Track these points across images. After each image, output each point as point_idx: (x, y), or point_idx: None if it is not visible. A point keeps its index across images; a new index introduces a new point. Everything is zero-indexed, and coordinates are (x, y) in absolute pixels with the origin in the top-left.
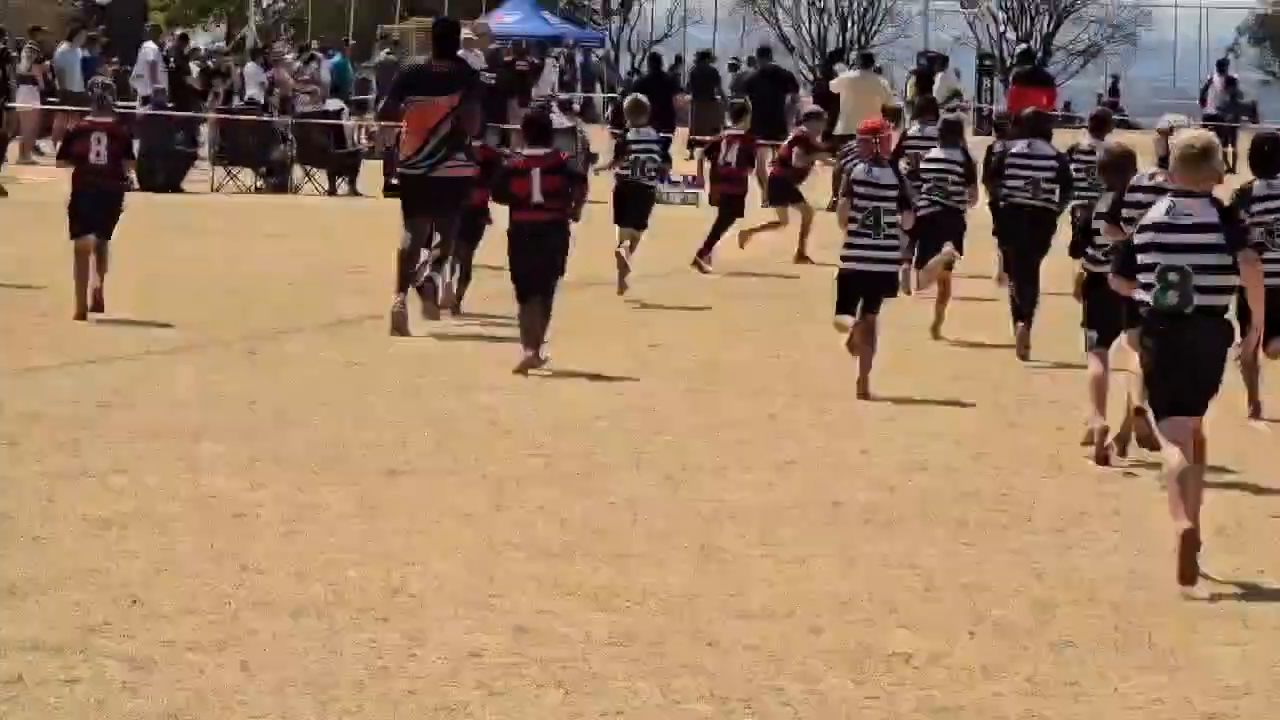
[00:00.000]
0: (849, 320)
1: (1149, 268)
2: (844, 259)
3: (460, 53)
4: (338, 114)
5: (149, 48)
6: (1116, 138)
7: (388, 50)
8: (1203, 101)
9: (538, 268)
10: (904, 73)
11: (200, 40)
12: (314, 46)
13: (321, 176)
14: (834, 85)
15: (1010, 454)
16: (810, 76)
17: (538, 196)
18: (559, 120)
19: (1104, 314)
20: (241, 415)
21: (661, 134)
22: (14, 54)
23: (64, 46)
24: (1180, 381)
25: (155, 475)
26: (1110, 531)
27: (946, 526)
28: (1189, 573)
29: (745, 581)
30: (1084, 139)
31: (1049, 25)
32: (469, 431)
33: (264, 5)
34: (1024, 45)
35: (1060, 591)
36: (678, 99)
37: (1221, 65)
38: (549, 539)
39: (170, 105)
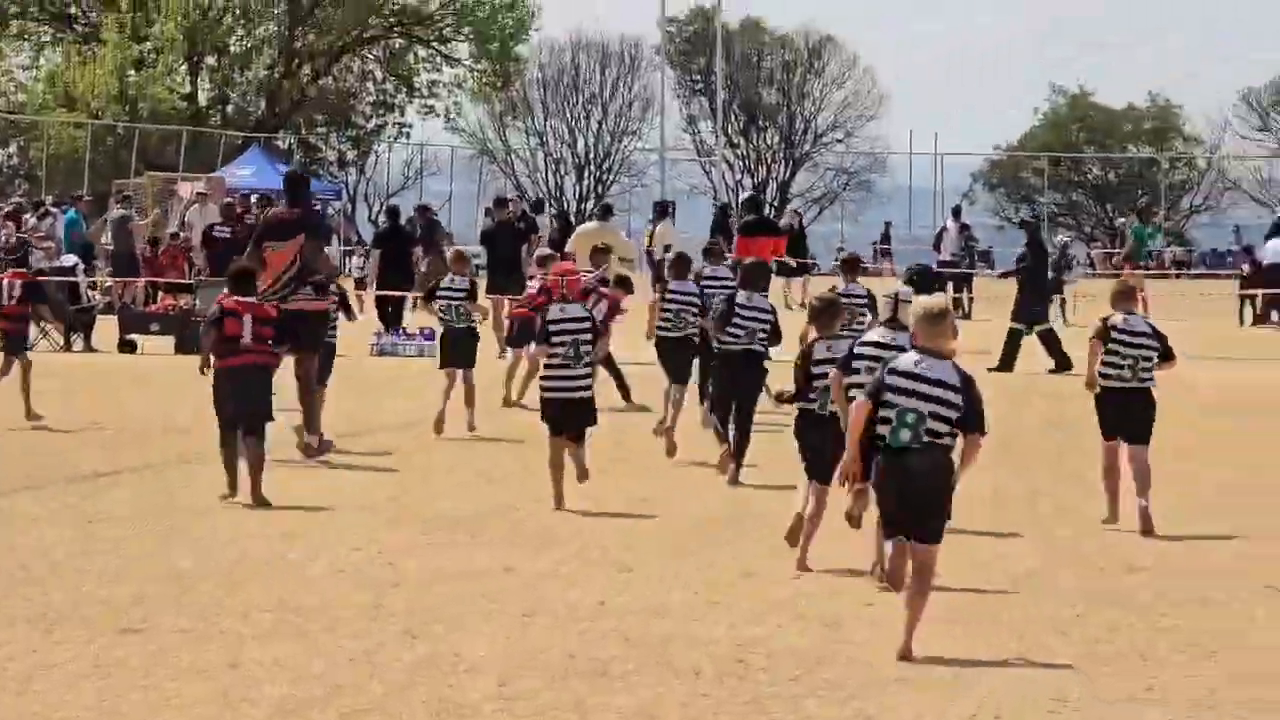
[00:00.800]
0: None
1: (889, 405)
2: (546, 390)
3: (195, 207)
4: (73, 269)
5: None
6: None
7: (121, 206)
8: (937, 247)
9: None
10: (642, 221)
11: None
12: (48, 202)
13: (56, 333)
14: (571, 242)
15: (748, 601)
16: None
17: (247, 339)
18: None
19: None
20: None
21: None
22: None
23: None
24: (902, 507)
25: None
26: (847, 679)
27: (682, 676)
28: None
29: None
30: (839, 282)
31: (785, 173)
32: (205, 587)
33: None
34: (750, 193)
35: None
36: (417, 251)
37: (956, 211)
38: (284, 696)
39: None
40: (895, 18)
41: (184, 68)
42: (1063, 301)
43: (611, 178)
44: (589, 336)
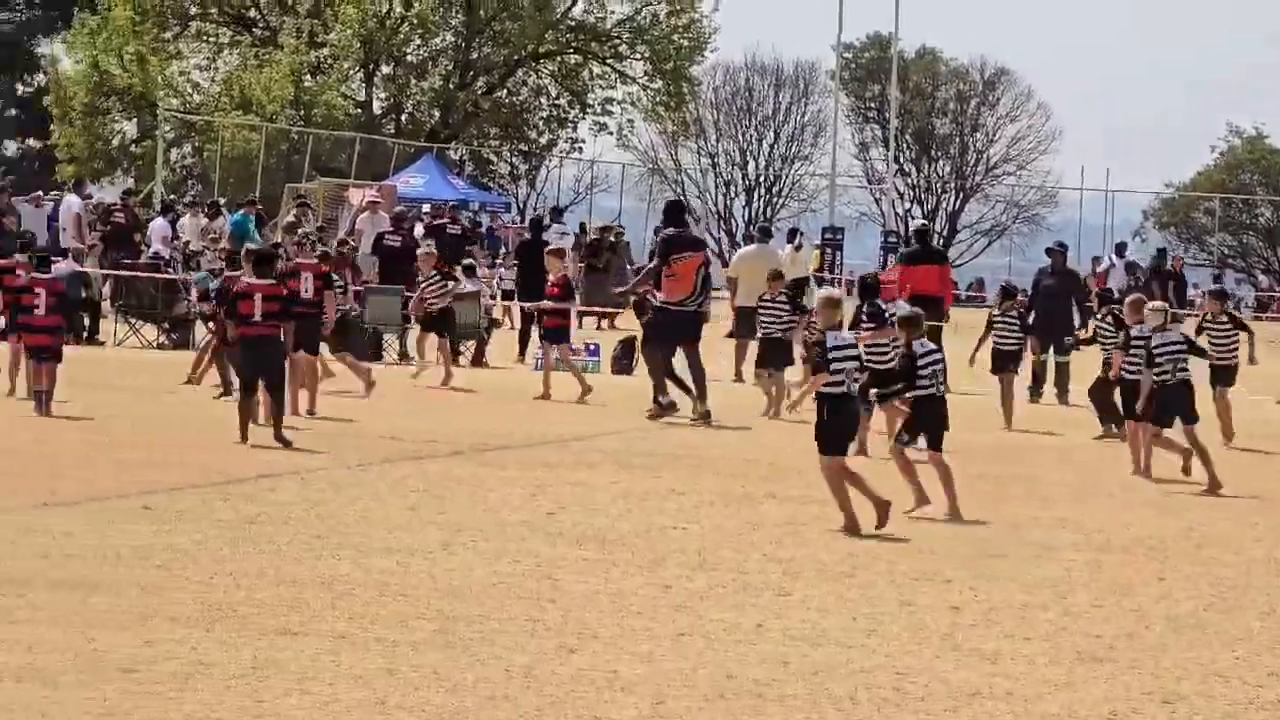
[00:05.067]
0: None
1: None
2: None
3: (365, 215)
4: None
5: (72, 200)
6: None
7: (294, 211)
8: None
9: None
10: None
11: (107, 195)
12: (221, 203)
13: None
14: (733, 265)
15: (905, 631)
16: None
17: (258, 315)
18: (463, 284)
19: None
20: (134, 570)
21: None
22: None
23: None
24: None
25: (47, 628)
26: (1005, 713)
27: (839, 704)
28: None
29: None
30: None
31: (955, 203)
32: (362, 594)
33: (171, 160)
34: (921, 222)
35: None
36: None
37: (1120, 249)
38: (440, 704)
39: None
40: (1071, 52)
41: (359, 75)
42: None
43: (781, 201)
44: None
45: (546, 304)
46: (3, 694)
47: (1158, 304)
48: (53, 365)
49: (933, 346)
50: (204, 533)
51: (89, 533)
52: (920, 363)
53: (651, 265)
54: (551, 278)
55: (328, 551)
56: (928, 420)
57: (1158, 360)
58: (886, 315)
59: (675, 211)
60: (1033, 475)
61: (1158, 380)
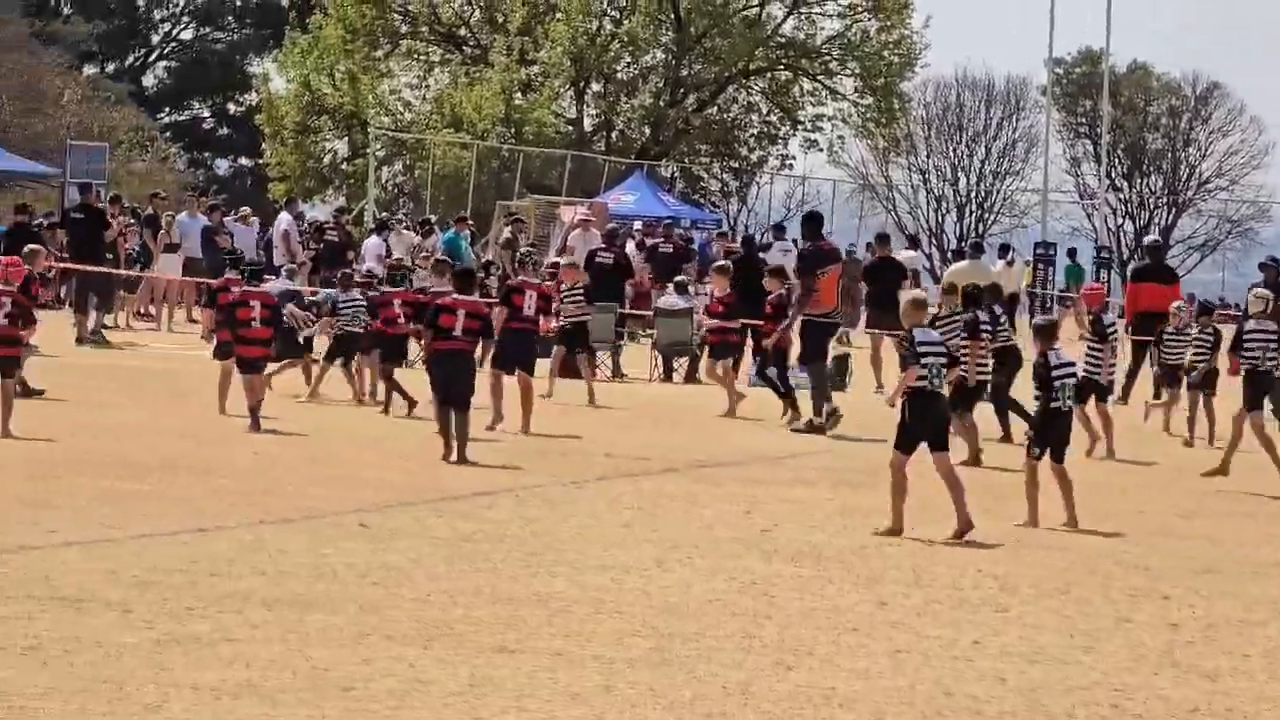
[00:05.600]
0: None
1: None
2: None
3: (576, 232)
4: None
5: (284, 217)
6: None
7: (510, 228)
8: None
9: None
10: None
11: (319, 213)
12: (432, 220)
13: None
14: (945, 279)
15: (1122, 648)
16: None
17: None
18: (673, 301)
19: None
20: (351, 588)
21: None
22: (159, 220)
23: (183, 214)
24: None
25: (265, 645)
26: None
27: None
28: None
29: None
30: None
31: (1167, 218)
32: (578, 611)
33: (382, 179)
34: (1154, 239)
35: None
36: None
37: None
38: None
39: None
40: None
41: (569, 93)
42: None
43: (992, 217)
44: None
45: (711, 322)
46: (222, 711)
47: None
48: (262, 378)
49: (1069, 359)
50: (419, 550)
51: (305, 550)
52: (1053, 374)
53: (803, 282)
54: (769, 296)
55: (543, 569)
56: (1054, 433)
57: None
58: (1106, 327)
59: (814, 224)
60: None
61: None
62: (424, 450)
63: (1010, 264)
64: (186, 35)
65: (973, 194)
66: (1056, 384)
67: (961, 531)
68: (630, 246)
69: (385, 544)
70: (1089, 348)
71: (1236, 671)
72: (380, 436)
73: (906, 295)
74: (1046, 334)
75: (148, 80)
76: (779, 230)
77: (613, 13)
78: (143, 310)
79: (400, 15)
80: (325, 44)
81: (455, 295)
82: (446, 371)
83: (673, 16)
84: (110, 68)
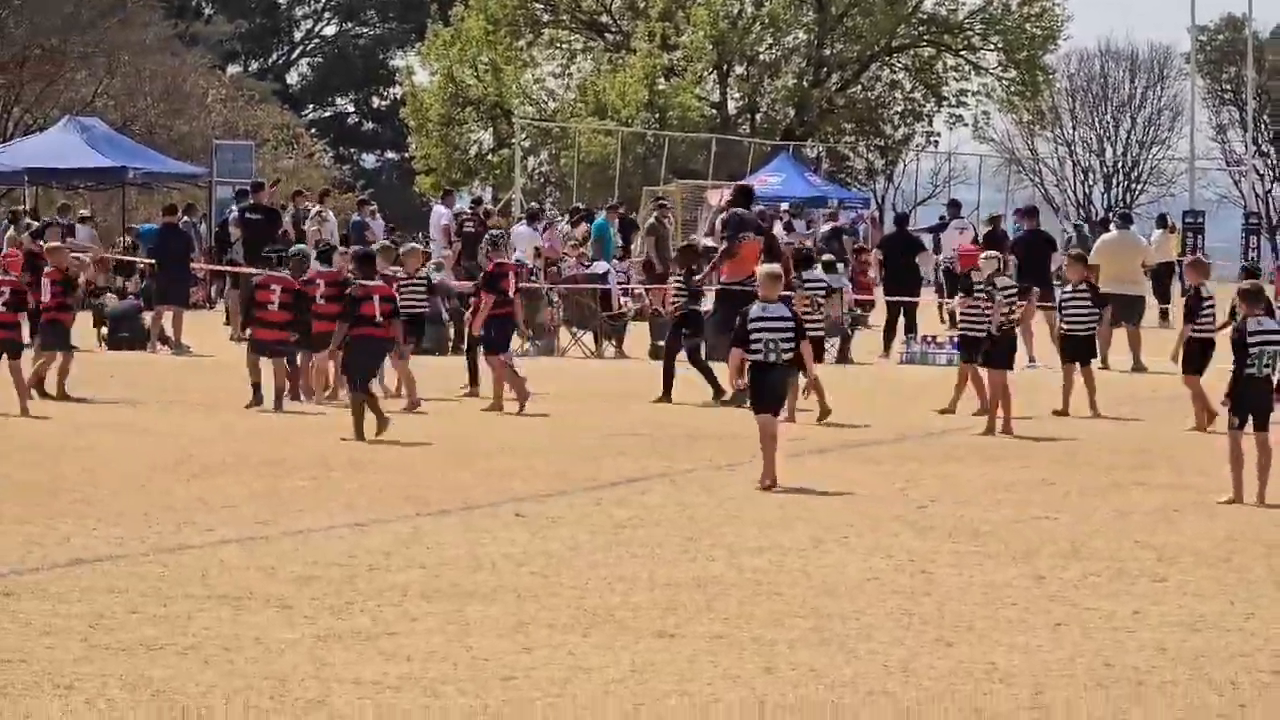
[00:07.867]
0: None
1: None
2: None
3: (723, 215)
4: (604, 276)
5: (440, 210)
6: None
7: (658, 214)
8: None
9: None
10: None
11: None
12: (581, 208)
13: (588, 339)
14: (1094, 253)
15: None
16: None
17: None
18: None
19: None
20: (510, 577)
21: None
22: (302, 217)
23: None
24: None
25: (425, 637)
26: None
27: (1219, 689)
28: None
29: None
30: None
31: None
32: (736, 594)
33: (529, 168)
34: None
35: None
36: (921, 256)
37: None
38: (820, 701)
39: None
40: None
41: (712, 76)
42: None
43: (1140, 187)
44: None
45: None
46: (384, 704)
47: None
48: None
49: (1272, 325)
50: (577, 538)
51: (462, 541)
52: (1249, 340)
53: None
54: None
55: (701, 553)
56: (1251, 400)
57: None
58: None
59: (741, 194)
60: None
61: None
62: (560, 438)
63: (1171, 230)
64: (329, 31)
65: (1119, 164)
66: (1253, 349)
67: None
68: (778, 228)
69: (542, 532)
70: None
71: None
72: (500, 424)
73: (763, 269)
74: (1253, 298)
75: (291, 78)
76: (954, 207)
77: None
78: None
79: (542, 4)
80: (468, 35)
81: (362, 282)
82: (361, 356)
83: None
84: (253, 66)
